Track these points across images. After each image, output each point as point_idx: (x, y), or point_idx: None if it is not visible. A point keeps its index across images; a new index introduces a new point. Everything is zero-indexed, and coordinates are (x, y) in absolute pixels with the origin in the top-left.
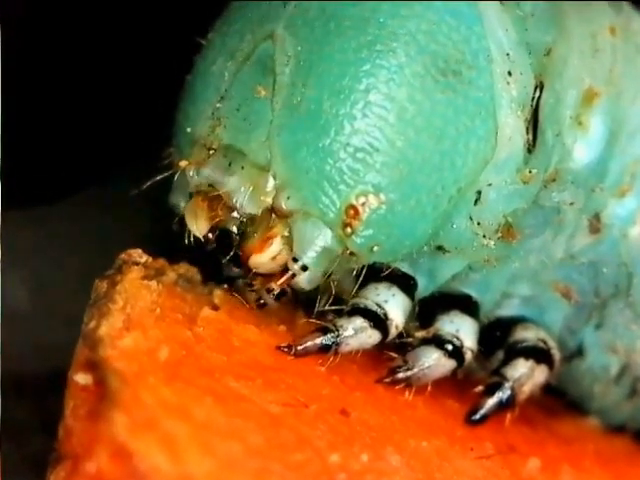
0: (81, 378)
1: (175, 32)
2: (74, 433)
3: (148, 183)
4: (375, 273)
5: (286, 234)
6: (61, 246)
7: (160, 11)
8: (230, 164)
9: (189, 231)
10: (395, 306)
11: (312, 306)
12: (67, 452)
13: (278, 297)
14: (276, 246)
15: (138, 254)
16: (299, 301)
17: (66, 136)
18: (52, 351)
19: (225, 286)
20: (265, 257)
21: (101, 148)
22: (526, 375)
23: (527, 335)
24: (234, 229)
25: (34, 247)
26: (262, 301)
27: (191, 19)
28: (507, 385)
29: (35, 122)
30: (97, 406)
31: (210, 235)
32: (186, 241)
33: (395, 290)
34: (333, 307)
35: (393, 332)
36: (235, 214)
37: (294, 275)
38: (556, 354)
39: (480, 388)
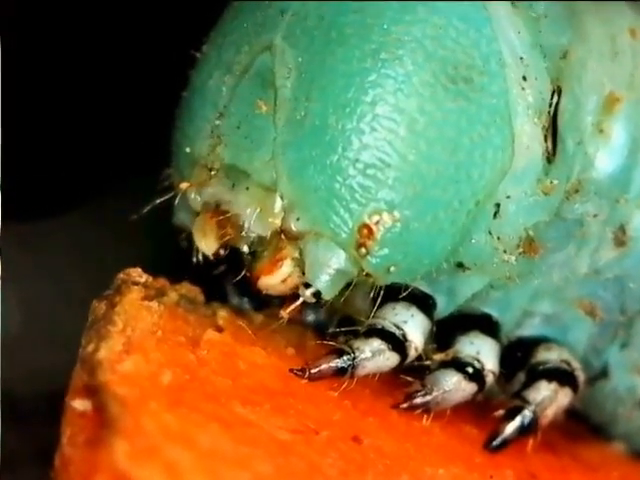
0: (79, 404)
1: (169, 46)
2: (72, 462)
3: (148, 207)
4: (392, 292)
5: (297, 256)
6: (57, 263)
7: (155, 25)
8: (234, 185)
9: (197, 249)
10: (414, 327)
11: (322, 327)
12: None
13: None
14: (286, 268)
15: (138, 273)
16: (308, 322)
17: (65, 151)
18: (47, 375)
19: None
20: (275, 279)
21: (101, 163)
22: (549, 398)
23: (550, 356)
24: (245, 248)
25: (30, 264)
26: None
27: (186, 32)
28: (529, 409)
29: (34, 136)
30: (96, 433)
31: (220, 252)
32: (194, 259)
33: (414, 310)
34: (346, 328)
35: (412, 354)
36: (244, 233)
37: (305, 303)
38: (580, 376)
39: (500, 412)
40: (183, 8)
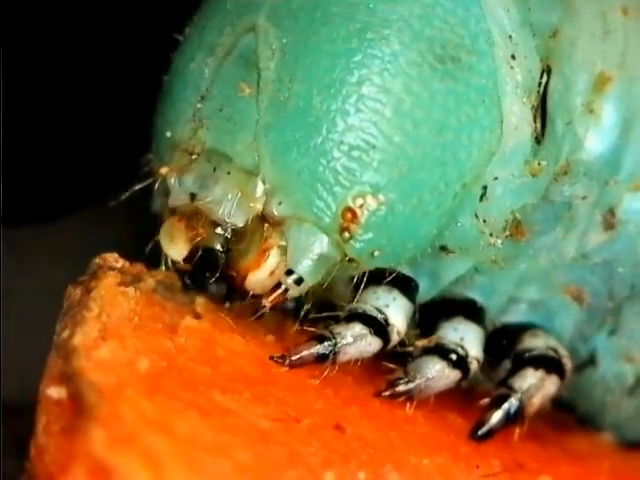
0: (54, 392)
1: (151, 30)
2: (47, 451)
3: (127, 193)
4: (373, 276)
5: (282, 244)
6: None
7: (137, 10)
8: (215, 169)
9: (166, 256)
10: (396, 311)
11: (301, 314)
12: (40, 471)
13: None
14: (273, 258)
15: (114, 258)
16: (288, 308)
17: (65, 154)
18: (20, 368)
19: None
20: (263, 273)
21: (100, 167)
22: (535, 386)
23: (536, 343)
24: (218, 247)
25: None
26: (259, 313)
27: (168, 15)
28: (515, 397)
29: (33, 139)
30: (72, 421)
31: (187, 258)
32: (163, 267)
33: (396, 293)
34: (327, 314)
35: (395, 339)
36: (219, 230)
37: (286, 290)
38: (567, 363)
39: (486, 401)
40: None
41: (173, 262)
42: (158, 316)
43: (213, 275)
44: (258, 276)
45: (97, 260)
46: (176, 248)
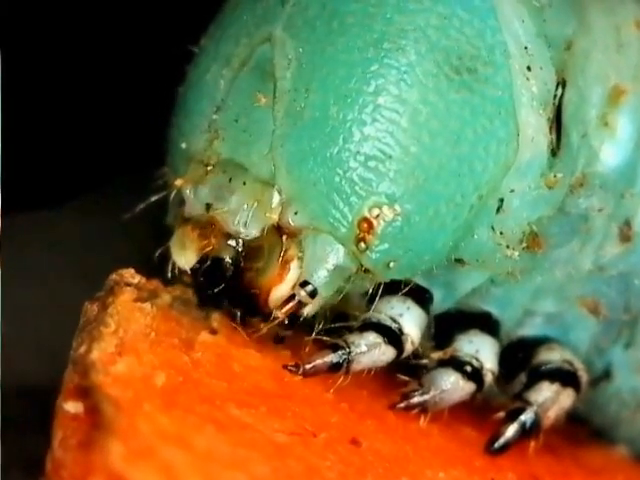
0: (71, 406)
1: (166, 41)
2: (64, 465)
3: (141, 206)
4: (386, 286)
5: (301, 255)
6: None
7: (152, 21)
8: (230, 180)
9: (173, 264)
10: (410, 320)
11: (317, 327)
12: None
13: (292, 324)
14: (294, 272)
15: (130, 274)
16: (303, 323)
17: (65, 142)
18: (33, 382)
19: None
20: (286, 287)
21: (102, 154)
22: (551, 399)
23: (552, 356)
24: (227, 258)
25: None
26: (280, 336)
27: (183, 27)
28: (531, 410)
29: (34, 127)
30: (90, 435)
31: (198, 266)
32: (169, 274)
33: (410, 303)
34: (340, 324)
35: (408, 348)
36: (231, 242)
37: (300, 302)
38: (583, 376)
39: (501, 414)
40: (180, 4)
41: (180, 273)
42: (174, 331)
43: (218, 286)
44: (282, 290)
45: (113, 276)
46: (185, 256)
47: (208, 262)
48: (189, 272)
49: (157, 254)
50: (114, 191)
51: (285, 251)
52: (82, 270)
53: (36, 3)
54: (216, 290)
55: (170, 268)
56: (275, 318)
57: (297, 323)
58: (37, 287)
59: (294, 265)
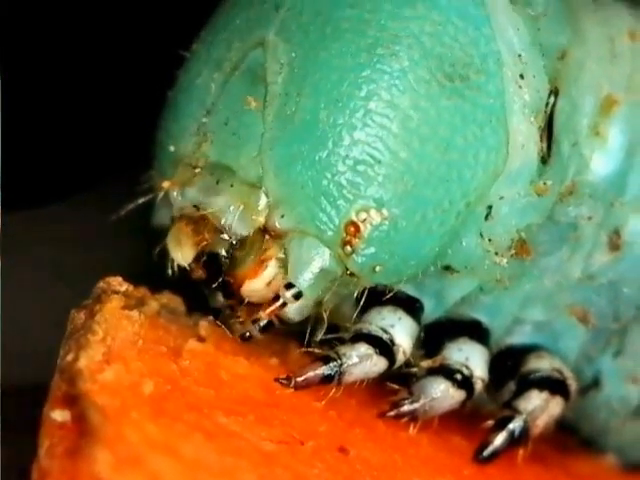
0: (58, 415)
1: (156, 46)
2: (50, 474)
3: (127, 208)
4: (376, 297)
5: (281, 256)
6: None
7: (143, 25)
8: (218, 182)
9: (172, 260)
10: (402, 331)
11: (305, 337)
12: None
13: (264, 329)
14: (271, 269)
15: (118, 282)
16: (292, 332)
17: (60, 140)
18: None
19: (211, 317)
20: (260, 283)
21: (96, 153)
22: (540, 407)
23: (541, 365)
24: (222, 252)
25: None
26: (248, 334)
27: (174, 32)
28: (519, 419)
29: (29, 125)
30: (77, 443)
31: (195, 263)
32: (170, 271)
33: (401, 313)
34: (331, 335)
35: (400, 359)
36: (224, 236)
37: (284, 304)
38: (572, 385)
39: (490, 423)
40: (171, 9)
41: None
42: (162, 339)
43: (216, 281)
44: (254, 285)
45: (101, 284)
46: (182, 252)
47: (204, 257)
48: (188, 268)
49: (156, 252)
50: (103, 192)
51: (264, 250)
52: (74, 270)
53: (29, 6)
54: (215, 285)
55: (169, 265)
56: (258, 319)
57: (270, 328)
58: (33, 287)
59: (272, 264)
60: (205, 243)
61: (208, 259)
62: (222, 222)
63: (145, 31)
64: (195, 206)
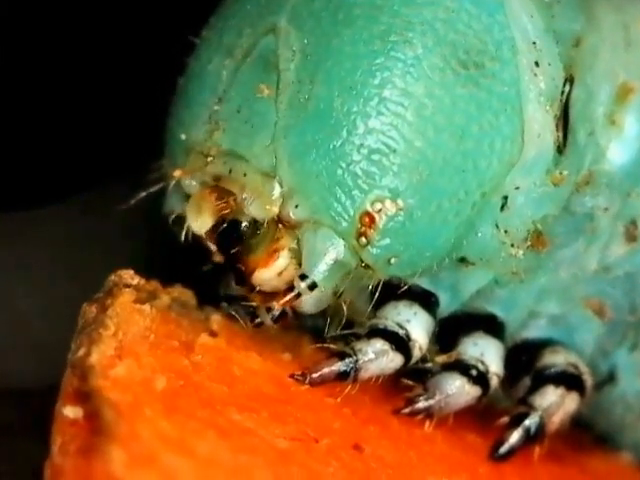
0: (70, 411)
1: (167, 32)
2: (64, 472)
3: (137, 197)
4: (391, 292)
5: (294, 246)
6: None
7: (152, 12)
8: (230, 171)
9: (187, 229)
10: (418, 326)
11: (319, 332)
12: None
13: (277, 319)
14: (283, 260)
15: (130, 275)
16: (305, 326)
17: (61, 140)
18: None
19: (223, 308)
20: (271, 272)
21: (98, 152)
22: (556, 404)
23: (556, 359)
24: (245, 223)
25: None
26: (258, 320)
27: (184, 18)
28: (535, 415)
29: (28, 125)
30: (89, 441)
31: (211, 234)
32: (182, 239)
33: (417, 308)
34: (346, 331)
35: (417, 354)
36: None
37: (299, 295)
38: (588, 380)
39: (505, 419)
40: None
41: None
42: (174, 334)
43: (230, 252)
44: (265, 275)
45: (112, 277)
46: (202, 219)
47: (224, 225)
48: (203, 236)
49: (172, 220)
50: (112, 188)
51: (277, 239)
52: (78, 269)
53: (28, 3)
54: (231, 252)
55: (183, 234)
56: (272, 309)
57: (283, 318)
58: (33, 287)
59: (284, 254)
60: (228, 211)
61: (228, 227)
62: (243, 196)
63: (154, 18)
64: (215, 177)
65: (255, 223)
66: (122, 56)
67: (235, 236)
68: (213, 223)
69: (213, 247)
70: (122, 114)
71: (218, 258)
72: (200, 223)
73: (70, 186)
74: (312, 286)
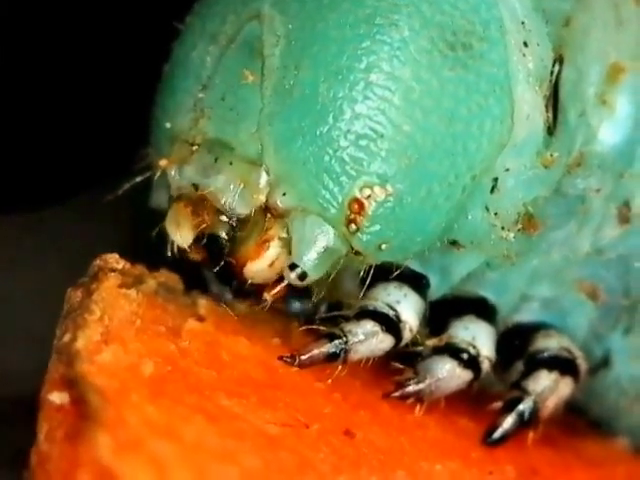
0: (56, 397)
1: (150, 19)
2: (50, 458)
3: (124, 188)
4: (382, 273)
5: (284, 235)
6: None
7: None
8: (216, 160)
9: (172, 242)
10: (408, 307)
11: (307, 316)
12: None
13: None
14: (273, 250)
15: (115, 260)
16: (293, 310)
17: (56, 142)
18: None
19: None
20: (262, 264)
21: (91, 156)
22: (550, 388)
23: (549, 343)
24: (223, 234)
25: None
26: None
27: (168, 4)
28: (529, 399)
29: (23, 127)
30: (76, 427)
31: (195, 245)
32: (169, 254)
33: (407, 290)
34: (335, 313)
35: (407, 336)
36: (224, 217)
37: (290, 285)
38: (582, 364)
39: (498, 404)
40: None
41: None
42: (160, 319)
43: (217, 264)
44: (257, 266)
45: (97, 261)
46: (181, 234)
47: (204, 240)
48: (188, 250)
49: (154, 234)
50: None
51: (266, 230)
52: (66, 255)
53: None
54: (217, 268)
55: (169, 247)
56: (264, 300)
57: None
58: (21, 274)
59: (274, 244)
60: (205, 225)
61: (208, 241)
62: (222, 202)
63: (138, 4)
64: (194, 185)
65: (239, 221)
66: (112, 52)
67: (216, 249)
68: (194, 237)
69: (198, 258)
70: (122, 114)
71: (208, 267)
72: (181, 238)
73: (70, 187)
74: (302, 276)
